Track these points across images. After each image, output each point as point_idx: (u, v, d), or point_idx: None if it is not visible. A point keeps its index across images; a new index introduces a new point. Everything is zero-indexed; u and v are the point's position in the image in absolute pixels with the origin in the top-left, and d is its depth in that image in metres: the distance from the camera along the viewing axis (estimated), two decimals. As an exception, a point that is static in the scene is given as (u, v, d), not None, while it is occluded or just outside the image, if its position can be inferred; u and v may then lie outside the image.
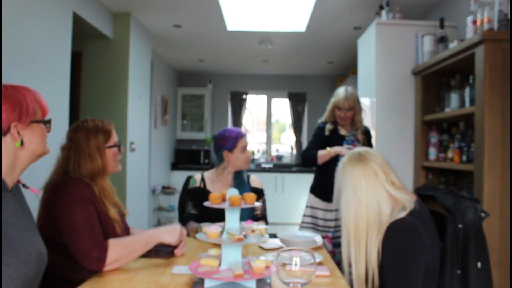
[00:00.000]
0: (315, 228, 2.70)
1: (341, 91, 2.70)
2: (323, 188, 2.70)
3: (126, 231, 1.71)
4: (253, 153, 6.78)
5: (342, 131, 2.73)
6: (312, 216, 2.73)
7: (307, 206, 2.79)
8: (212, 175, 2.30)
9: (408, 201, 1.43)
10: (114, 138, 1.64)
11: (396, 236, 1.37)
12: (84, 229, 1.40)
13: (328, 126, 2.73)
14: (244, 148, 2.23)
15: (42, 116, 1.19)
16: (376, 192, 1.43)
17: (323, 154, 2.62)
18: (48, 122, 1.21)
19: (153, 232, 1.55)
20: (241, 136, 2.23)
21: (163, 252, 1.66)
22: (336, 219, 2.64)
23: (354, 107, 2.67)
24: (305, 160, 2.75)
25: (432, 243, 1.42)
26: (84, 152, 1.54)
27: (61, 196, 1.44)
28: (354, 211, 1.44)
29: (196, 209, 2.19)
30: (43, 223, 1.47)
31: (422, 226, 1.38)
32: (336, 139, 2.70)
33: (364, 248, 1.42)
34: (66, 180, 1.48)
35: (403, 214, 1.39)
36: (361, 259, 1.42)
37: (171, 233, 1.56)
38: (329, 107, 2.76)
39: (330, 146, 2.65)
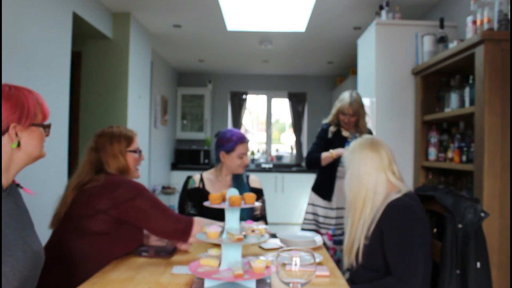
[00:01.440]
0: (316, 224, 2.76)
1: (346, 97, 2.72)
2: (323, 187, 2.78)
3: None
4: (253, 153, 6.78)
5: (345, 133, 2.78)
6: (313, 213, 2.81)
7: (308, 204, 2.86)
8: (211, 176, 2.29)
9: (403, 186, 1.58)
10: (136, 144, 1.78)
11: (394, 214, 1.49)
12: (162, 211, 1.59)
13: (331, 129, 2.78)
14: (242, 154, 2.19)
15: (43, 120, 1.19)
16: (376, 175, 1.58)
17: (326, 156, 2.69)
18: (48, 126, 1.21)
19: None
20: (241, 142, 2.19)
21: (163, 252, 1.66)
22: (337, 217, 2.70)
23: (358, 112, 2.71)
24: (309, 162, 2.82)
25: (425, 220, 1.52)
26: (108, 153, 1.68)
27: (124, 193, 1.55)
28: (355, 187, 1.59)
29: (195, 209, 2.19)
30: (84, 216, 1.53)
31: (416, 206, 1.51)
32: (338, 141, 2.74)
33: (357, 222, 1.57)
34: (118, 180, 1.60)
35: (398, 195, 1.53)
36: (353, 231, 1.58)
37: None
38: (333, 111, 2.80)
39: (333, 147, 2.70)
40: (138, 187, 1.60)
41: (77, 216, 1.54)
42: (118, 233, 1.57)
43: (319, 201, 2.77)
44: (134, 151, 1.75)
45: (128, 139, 1.75)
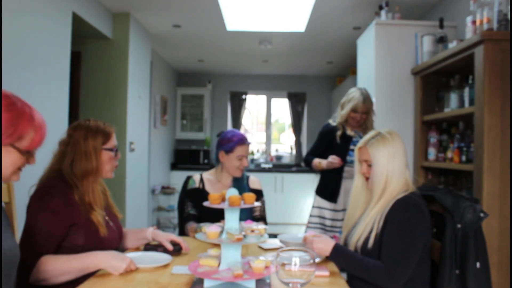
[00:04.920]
0: (323, 228, 2.72)
1: (357, 94, 2.67)
2: (328, 189, 2.74)
3: (119, 233, 1.72)
4: (252, 153, 6.78)
5: (350, 132, 2.74)
6: (320, 216, 2.75)
7: (313, 207, 2.81)
8: (211, 176, 2.28)
9: (411, 184, 1.59)
10: (113, 141, 1.64)
11: (402, 209, 1.49)
12: (32, 240, 1.40)
13: (339, 133, 2.73)
14: (241, 157, 2.18)
15: (29, 147, 1.11)
16: (404, 170, 1.58)
17: (315, 165, 2.73)
18: (29, 153, 1.13)
19: (95, 258, 1.42)
20: (241, 143, 2.18)
21: (171, 250, 1.69)
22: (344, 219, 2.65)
23: (370, 109, 2.70)
24: (305, 163, 2.87)
25: (429, 220, 1.52)
26: (80, 150, 1.54)
27: (34, 199, 1.47)
28: (396, 180, 1.56)
29: (195, 209, 2.19)
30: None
31: (423, 205, 1.52)
32: (343, 140, 2.71)
33: (381, 213, 1.55)
34: (43, 186, 1.50)
35: (406, 193, 1.54)
36: (371, 221, 1.55)
37: (114, 266, 1.41)
38: (344, 111, 2.71)
39: (337, 147, 2.69)
40: (47, 204, 1.44)
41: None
42: None
43: (325, 203, 2.73)
44: (111, 149, 1.61)
45: (105, 135, 1.59)
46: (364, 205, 1.68)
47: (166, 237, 1.73)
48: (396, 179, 1.56)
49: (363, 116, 2.68)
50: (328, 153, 2.70)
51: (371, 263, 1.46)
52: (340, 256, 1.51)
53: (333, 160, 2.60)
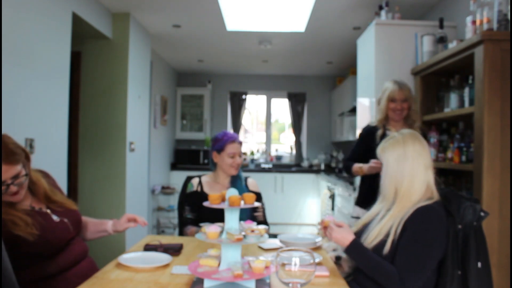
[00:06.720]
0: None
1: (391, 84, 2.49)
2: (365, 197, 2.55)
3: (73, 223, 1.66)
4: (252, 153, 6.78)
5: (392, 130, 2.47)
6: None
7: (352, 217, 2.65)
8: (209, 179, 2.31)
9: (436, 194, 1.54)
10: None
11: (423, 219, 1.46)
12: None
13: (379, 133, 2.49)
14: (233, 154, 2.21)
15: None
16: (425, 172, 1.53)
17: (356, 171, 2.50)
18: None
19: None
20: (231, 141, 2.21)
21: (171, 249, 1.71)
22: None
23: (410, 97, 2.48)
24: (344, 169, 2.66)
25: (447, 231, 1.49)
26: None
27: None
28: (408, 181, 1.52)
29: (193, 213, 2.21)
30: None
31: (444, 216, 1.48)
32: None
33: (395, 216, 1.52)
34: None
35: (430, 202, 1.50)
36: (388, 224, 1.52)
37: None
38: (382, 104, 2.51)
39: (376, 148, 2.55)
40: None
41: None
42: None
43: (363, 213, 2.57)
44: None
45: None
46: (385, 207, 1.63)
47: (125, 220, 1.74)
48: (408, 183, 1.52)
49: (403, 105, 2.45)
50: (367, 157, 2.41)
51: (386, 267, 1.44)
52: (356, 252, 1.51)
53: (375, 164, 2.30)
